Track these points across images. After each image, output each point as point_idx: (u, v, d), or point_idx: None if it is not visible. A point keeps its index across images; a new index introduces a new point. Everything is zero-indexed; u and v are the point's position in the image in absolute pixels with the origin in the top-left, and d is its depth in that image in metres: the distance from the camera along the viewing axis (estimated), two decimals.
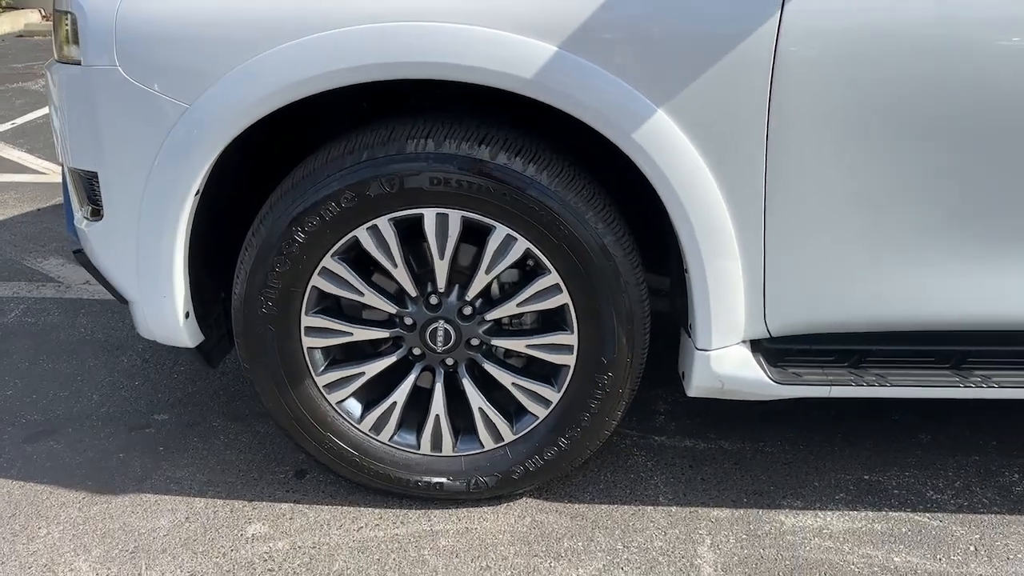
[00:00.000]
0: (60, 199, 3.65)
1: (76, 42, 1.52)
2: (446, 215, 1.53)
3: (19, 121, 5.07)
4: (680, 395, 2.06)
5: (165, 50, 1.47)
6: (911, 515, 1.73)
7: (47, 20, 9.12)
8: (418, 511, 1.77)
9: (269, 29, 1.41)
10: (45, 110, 5.31)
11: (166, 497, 1.82)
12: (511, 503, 1.78)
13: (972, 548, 1.65)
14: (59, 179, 2.55)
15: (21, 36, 8.53)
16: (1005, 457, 1.91)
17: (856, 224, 1.50)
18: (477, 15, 1.38)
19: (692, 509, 1.76)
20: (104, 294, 2.69)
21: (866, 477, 1.85)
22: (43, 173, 4.09)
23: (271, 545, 1.68)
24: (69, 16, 1.54)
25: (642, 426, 2.04)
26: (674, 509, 1.77)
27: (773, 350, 1.64)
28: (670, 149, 1.44)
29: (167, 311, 1.64)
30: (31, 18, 9.07)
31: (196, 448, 1.98)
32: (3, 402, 2.18)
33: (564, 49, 1.39)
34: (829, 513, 1.74)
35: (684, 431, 2.02)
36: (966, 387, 1.58)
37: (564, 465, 1.74)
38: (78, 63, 1.52)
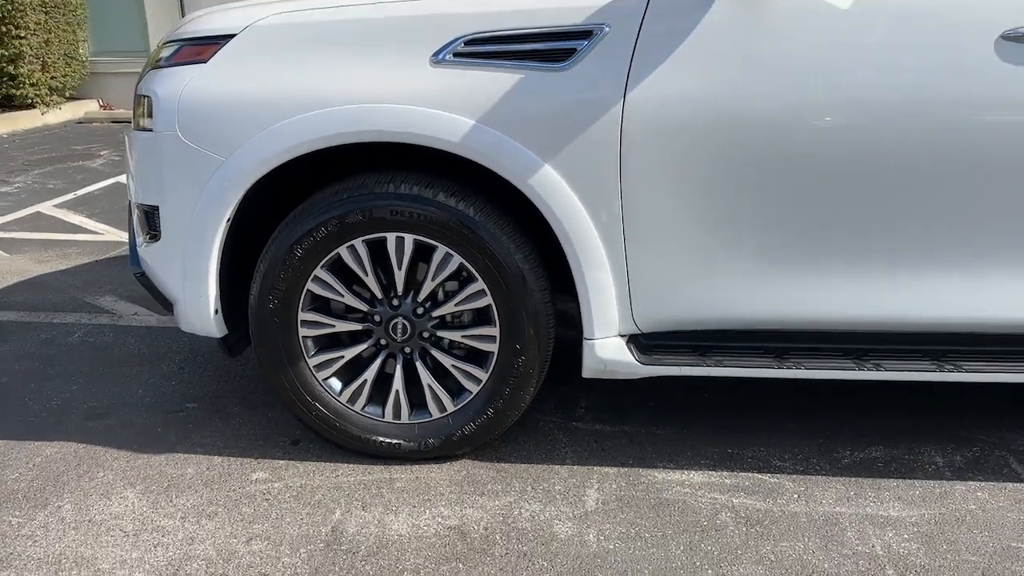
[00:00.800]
0: (113, 254, 4.37)
1: (150, 116, 2.20)
2: (403, 238, 2.15)
3: (80, 192, 5.86)
4: (598, 393, 2.64)
5: (211, 123, 2.14)
6: (755, 475, 2.26)
7: (104, 109, 10.19)
8: (381, 465, 2.32)
9: (276, 111, 2.07)
10: (101, 183, 6.13)
11: (192, 456, 2.40)
12: (452, 461, 2.33)
13: (796, 496, 2.16)
14: (111, 239, 3.20)
15: (81, 123, 9.55)
16: (845, 441, 2.43)
17: (693, 247, 2.09)
18: (414, 99, 2.03)
19: (589, 467, 2.30)
20: (148, 321, 3.34)
21: (729, 450, 2.38)
22: (99, 234, 4.81)
23: (269, 485, 2.24)
24: (147, 99, 2.23)
25: (565, 415, 2.59)
26: (575, 467, 2.31)
27: (645, 343, 2.21)
28: (554, 192, 2.06)
29: (202, 308, 2.26)
30: (91, 107, 10.15)
31: (217, 426, 2.57)
32: (71, 393, 2.80)
33: (480, 123, 2.03)
34: (692, 472, 2.28)
35: (597, 419, 2.57)
36: (779, 368, 2.13)
37: (492, 430, 2.30)
38: (150, 130, 2.20)
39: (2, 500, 2.19)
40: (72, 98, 10.11)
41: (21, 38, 9.16)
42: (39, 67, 9.41)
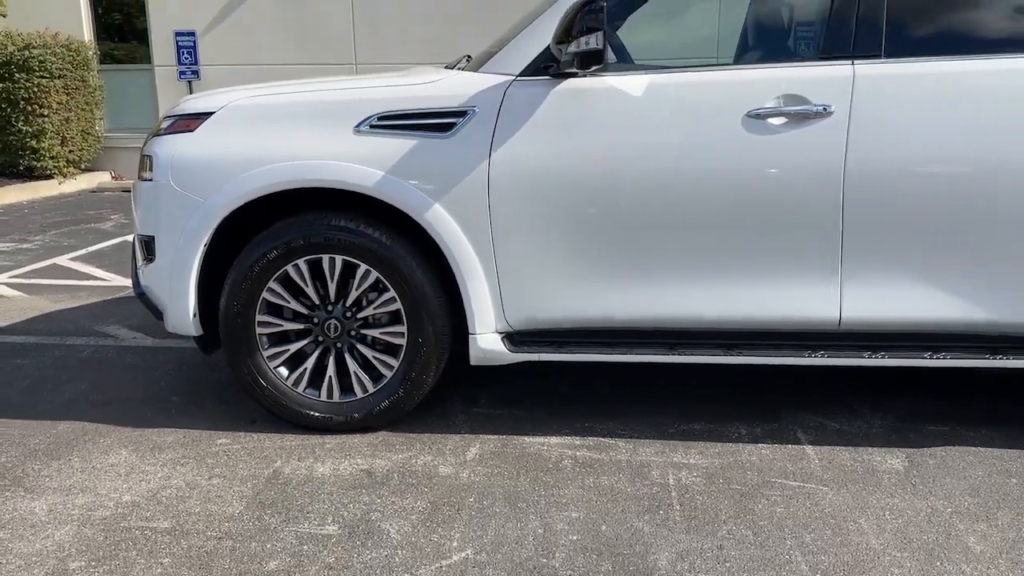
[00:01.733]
0: (118, 295, 5.13)
1: (151, 170, 2.99)
2: (334, 258, 2.91)
3: (91, 248, 6.68)
4: (496, 388, 3.35)
5: (195, 175, 2.93)
6: (599, 439, 2.96)
7: (116, 180, 11.15)
8: (317, 435, 3.02)
9: (242, 166, 2.86)
10: (111, 241, 6.95)
11: (173, 429, 3.10)
12: (373, 432, 3.04)
13: (624, 451, 2.86)
14: (117, 284, 3.96)
15: (95, 192, 10.48)
16: (675, 418, 3.13)
17: (543, 267, 2.84)
18: (342, 157, 2.82)
19: (476, 435, 3.01)
20: (145, 343, 4.08)
21: (586, 424, 3.08)
22: (107, 280, 5.59)
23: (229, 446, 2.95)
24: (149, 158, 3.03)
25: (467, 404, 3.30)
26: (466, 435, 3.01)
27: (515, 337, 2.94)
28: (443, 224, 2.82)
29: (183, 313, 3.01)
30: (104, 178, 11.11)
31: (194, 412, 3.28)
32: (80, 391, 3.52)
33: (388, 174, 2.81)
34: (552, 437, 2.98)
35: (491, 406, 3.28)
36: (610, 355, 2.86)
37: (403, 405, 3.01)
38: (151, 180, 2.99)
39: (27, 456, 2.90)
40: (87, 170, 11.07)
41: (44, 116, 10.17)
42: (59, 142, 10.39)
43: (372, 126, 2.84)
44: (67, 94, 10.49)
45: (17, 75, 10.19)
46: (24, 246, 6.81)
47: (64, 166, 10.51)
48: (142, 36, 11.86)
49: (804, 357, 2.83)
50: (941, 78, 2.66)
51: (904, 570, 2.16)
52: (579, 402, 3.31)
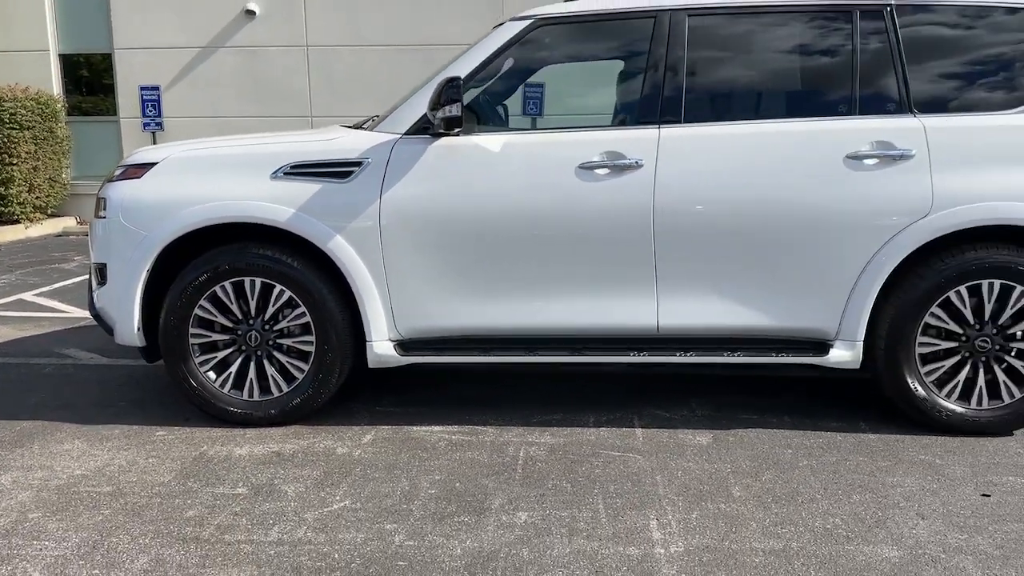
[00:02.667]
0: (78, 324, 5.71)
1: (105, 209, 3.65)
2: (255, 281, 3.58)
3: (55, 286, 7.25)
4: (399, 393, 3.99)
5: (140, 213, 3.59)
6: (473, 427, 3.61)
7: (81, 224, 11.71)
8: (240, 429, 3.65)
9: (178, 205, 3.53)
10: (73, 280, 7.54)
11: (119, 425, 3.70)
12: (287, 425, 3.66)
13: (491, 435, 3.51)
14: (77, 315, 4.58)
15: (60, 236, 11.05)
16: (539, 411, 3.80)
17: (424, 287, 3.53)
18: (261, 198, 3.51)
19: (373, 426, 3.65)
20: (100, 361, 4.68)
21: (465, 416, 3.74)
22: (68, 312, 6.17)
23: (165, 436, 3.56)
24: (103, 199, 3.69)
25: (372, 404, 3.94)
26: (365, 427, 3.65)
27: (405, 344, 3.61)
28: (344, 252, 3.51)
29: (130, 327, 3.64)
30: (69, 223, 11.68)
31: (138, 413, 3.88)
32: (41, 398, 4.10)
33: (298, 211, 3.50)
34: (435, 427, 3.63)
35: (392, 405, 3.93)
36: (485, 356, 3.54)
37: (313, 402, 3.64)
38: (104, 217, 3.65)
39: None
40: (53, 215, 11.65)
41: (13, 165, 10.76)
42: (26, 189, 10.97)
43: (286, 173, 3.54)
44: (35, 144, 11.11)
45: None
46: None
47: (31, 212, 11.08)
48: (109, 90, 12.55)
49: (632, 356, 3.53)
50: (723, 137, 3.43)
51: (676, 506, 2.83)
52: (465, 401, 3.97)
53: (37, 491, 3.03)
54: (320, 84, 12.06)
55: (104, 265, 3.69)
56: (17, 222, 10.92)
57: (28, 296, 6.80)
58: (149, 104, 12.21)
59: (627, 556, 2.51)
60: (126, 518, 2.81)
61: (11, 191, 10.80)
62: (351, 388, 4.09)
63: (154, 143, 11.90)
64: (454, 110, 3.32)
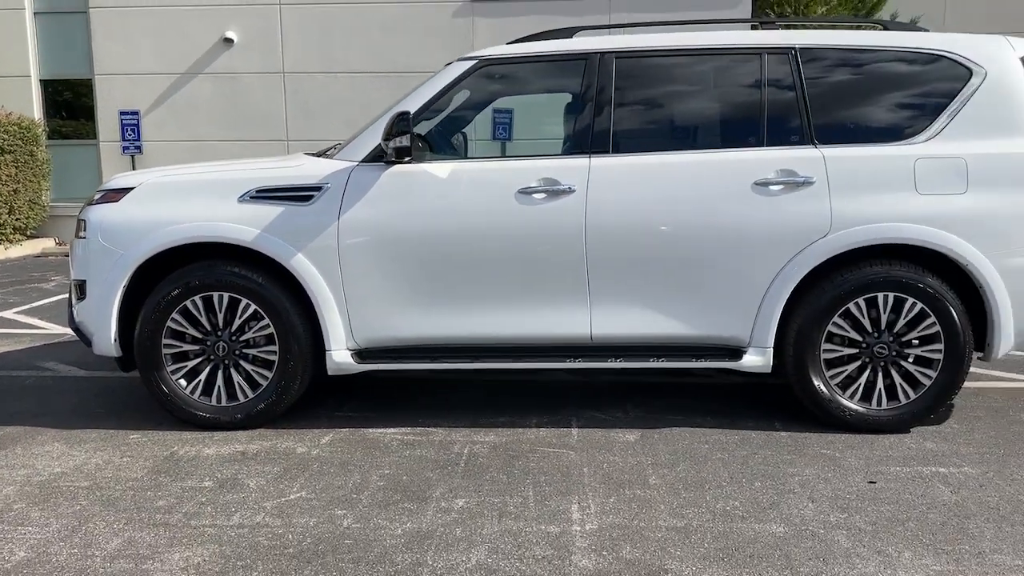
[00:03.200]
0: (56, 341, 6.00)
1: (85, 230, 3.98)
2: (222, 295, 3.91)
3: (34, 304, 7.52)
4: (360, 400, 4.32)
5: (117, 233, 3.92)
6: (425, 429, 3.94)
7: (60, 245, 11.95)
8: (209, 432, 3.95)
9: (153, 226, 3.87)
10: (52, 299, 7.80)
11: (96, 429, 4.00)
12: (252, 429, 3.98)
13: (440, 436, 3.85)
14: (56, 331, 4.89)
15: (39, 256, 11.29)
16: (489, 415, 4.14)
17: (379, 300, 3.88)
18: (229, 220, 3.85)
19: (332, 428, 3.97)
20: (78, 373, 4.97)
21: (419, 420, 4.07)
22: (47, 329, 6.45)
23: (139, 439, 3.86)
24: (84, 221, 4.02)
25: (333, 410, 4.26)
26: (325, 430, 3.97)
27: (363, 353, 3.95)
28: (305, 269, 3.85)
29: (107, 339, 3.95)
30: (48, 244, 11.92)
31: (114, 420, 4.18)
32: (23, 406, 4.39)
33: (263, 232, 3.84)
34: (389, 430, 3.96)
35: (352, 411, 4.25)
36: (432, 363, 3.88)
37: (276, 407, 3.96)
38: (85, 238, 3.97)
39: None
40: (32, 236, 11.89)
41: None
42: (7, 211, 11.22)
43: (252, 197, 3.89)
44: (16, 167, 11.38)
45: None
46: None
47: (11, 233, 11.32)
48: (89, 114, 12.86)
49: (568, 363, 3.89)
50: (647, 166, 3.82)
51: (596, 493, 3.18)
52: (419, 406, 4.31)
53: (20, 486, 3.32)
54: (295, 109, 12.43)
55: (84, 281, 4.00)
56: None
57: (8, 314, 7.07)
58: (129, 128, 12.52)
59: (547, 533, 2.86)
60: (102, 507, 3.11)
61: None
62: (315, 395, 4.41)
63: (133, 166, 12.23)
64: (404, 141, 3.69)
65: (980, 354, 3.91)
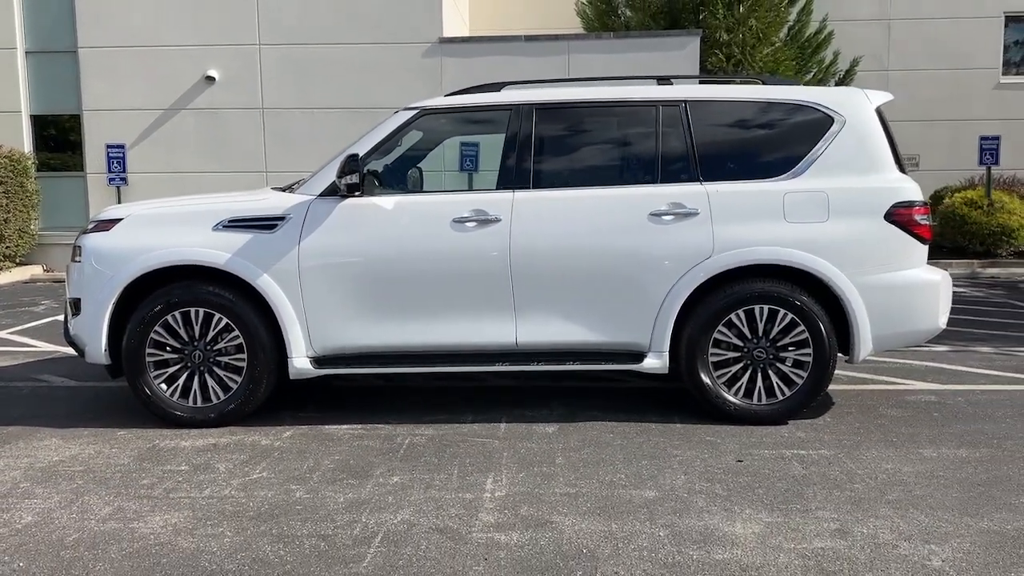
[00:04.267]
0: (49, 358, 6.59)
1: (80, 255, 4.61)
2: (198, 311, 4.54)
3: (26, 326, 8.10)
4: (321, 403, 4.96)
5: (108, 258, 4.56)
6: (375, 425, 4.57)
7: (47, 272, 12.51)
8: (186, 429, 4.56)
9: (138, 252, 4.50)
10: (42, 321, 8.38)
11: (89, 428, 4.60)
12: (224, 427, 4.59)
13: (388, 431, 4.48)
14: (47, 350, 5.51)
15: (28, 283, 11.85)
16: (458, 412, 4.77)
17: (334, 314, 4.52)
18: (205, 247, 4.49)
19: (293, 425, 4.59)
20: (70, 384, 5.57)
21: (370, 418, 4.70)
22: (40, 347, 7.03)
23: (126, 435, 4.47)
24: (79, 247, 4.65)
25: (295, 410, 4.89)
26: (288, 427, 4.59)
27: (320, 359, 4.58)
28: (269, 287, 4.49)
29: (98, 349, 4.57)
30: (36, 271, 12.49)
31: (105, 420, 4.78)
32: (21, 411, 4.98)
33: (233, 256, 4.48)
34: (343, 426, 4.58)
35: (313, 411, 4.87)
36: (381, 368, 4.52)
37: (245, 407, 4.58)
38: (80, 262, 4.61)
39: None
40: (21, 263, 12.45)
41: None
42: None
43: (224, 226, 4.54)
44: (7, 198, 11.97)
45: None
46: None
47: (1, 260, 11.88)
48: (76, 148, 13.49)
49: (498, 366, 4.55)
50: (560, 199, 4.52)
51: (510, 470, 3.82)
52: (371, 406, 4.95)
53: (24, 471, 3.93)
54: (274, 143, 13.12)
55: (79, 299, 4.63)
56: None
57: (3, 334, 7.65)
58: (115, 161, 13.15)
59: (463, 499, 3.50)
60: (95, 485, 3.72)
61: None
62: (279, 398, 5.03)
63: (119, 197, 12.85)
64: (354, 179, 4.37)
65: (847, 357, 4.60)
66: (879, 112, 4.66)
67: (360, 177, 4.40)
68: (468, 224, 4.49)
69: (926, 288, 4.51)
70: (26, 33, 13.22)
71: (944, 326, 4.67)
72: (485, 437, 4.35)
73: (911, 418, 4.66)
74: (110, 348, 4.61)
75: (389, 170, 5.01)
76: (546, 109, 4.64)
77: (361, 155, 4.50)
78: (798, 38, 14.50)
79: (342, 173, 4.40)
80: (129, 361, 4.57)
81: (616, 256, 4.45)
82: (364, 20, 12.83)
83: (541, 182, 4.58)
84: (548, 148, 4.64)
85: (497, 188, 4.60)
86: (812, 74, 14.63)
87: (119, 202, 12.77)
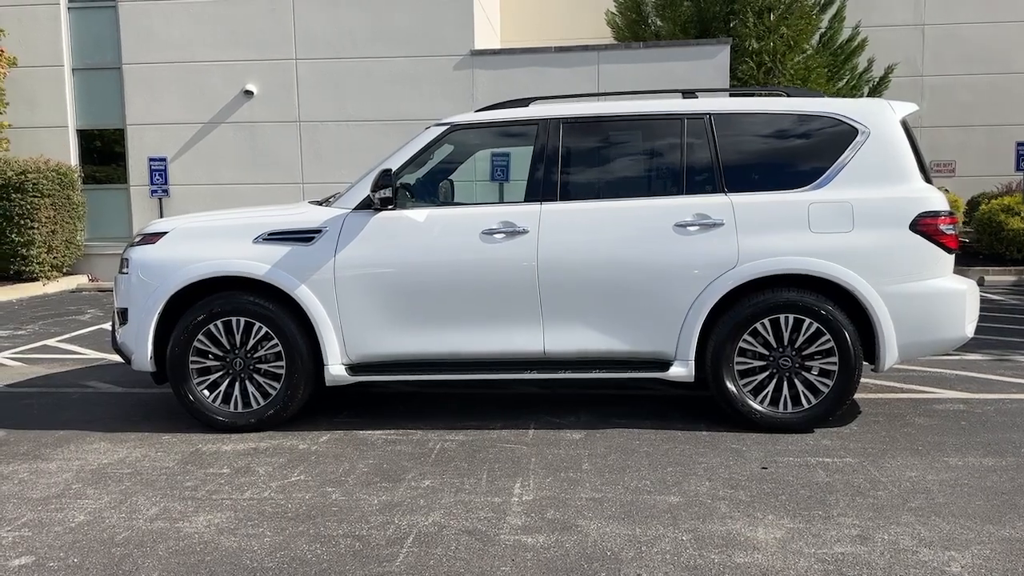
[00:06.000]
0: (96, 364, 6.85)
1: (127, 267, 4.83)
2: (239, 320, 4.73)
3: (73, 334, 8.41)
4: (356, 409, 5.13)
5: (153, 270, 4.77)
6: (409, 431, 4.72)
7: (93, 281, 12.91)
8: (227, 434, 4.75)
9: (183, 263, 4.71)
10: (88, 329, 8.69)
11: (134, 432, 4.81)
12: (263, 431, 4.77)
13: (419, 435, 4.62)
14: (93, 357, 5.76)
15: (74, 292, 12.25)
16: (470, 420, 4.90)
17: (369, 322, 4.68)
18: (246, 258, 4.68)
19: (329, 431, 4.75)
20: (116, 390, 5.81)
21: (403, 424, 4.84)
22: (87, 355, 7.31)
23: (170, 439, 4.66)
24: (126, 259, 4.87)
25: (331, 417, 5.05)
26: (325, 432, 4.75)
27: (355, 367, 4.74)
28: (307, 297, 4.67)
29: (144, 356, 4.78)
30: (82, 280, 12.90)
31: (149, 425, 4.99)
32: (71, 414, 5.22)
33: (273, 267, 4.67)
34: (379, 432, 4.73)
35: (349, 416, 5.03)
36: (413, 375, 4.67)
37: (283, 413, 4.75)
38: (127, 273, 4.83)
39: (42, 447, 4.58)
40: (68, 273, 12.87)
41: (34, 229, 12.03)
42: (45, 250, 12.21)
43: (264, 239, 4.73)
44: (54, 210, 12.40)
45: (14, 195, 12.13)
46: (19, 333, 8.53)
47: (48, 270, 12.31)
48: (120, 161, 13.91)
49: (527, 374, 4.66)
50: (587, 211, 4.63)
51: (537, 475, 3.94)
52: (404, 413, 5.09)
53: (76, 472, 4.13)
54: (310, 155, 13.41)
55: (126, 309, 4.84)
56: (36, 280, 12.13)
57: (52, 342, 7.95)
58: (157, 173, 13.54)
59: (491, 502, 3.62)
60: (142, 487, 3.91)
61: (31, 252, 12.06)
62: (316, 405, 5.20)
63: (161, 209, 13.23)
64: (387, 192, 4.53)
65: (873, 366, 4.64)
66: (904, 123, 4.71)
67: (393, 191, 4.56)
68: (497, 235, 4.62)
69: (952, 297, 4.54)
70: (73, 51, 13.68)
71: (971, 335, 4.69)
72: (514, 443, 4.47)
73: (938, 427, 4.68)
74: (155, 356, 4.82)
75: (421, 183, 5.16)
76: (572, 123, 4.76)
77: (394, 170, 4.67)
78: (829, 45, 14.45)
79: (376, 187, 4.56)
80: (173, 368, 4.77)
81: (641, 266, 4.55)
82: (397, 33, 13.07)
83: (568, 194, 4.70)
84: (574, 161, 4.76)
85: (525, 200, 4.72)
86: (845, 81, 14.56)
87: (161, 213, 13.17)
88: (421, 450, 4.38)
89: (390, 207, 4.63)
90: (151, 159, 13.53)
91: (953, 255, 4.61)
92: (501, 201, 4.93)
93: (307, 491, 3.82)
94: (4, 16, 13.40)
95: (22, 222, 12.03)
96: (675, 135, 4.69)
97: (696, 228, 4.54)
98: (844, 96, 14.72)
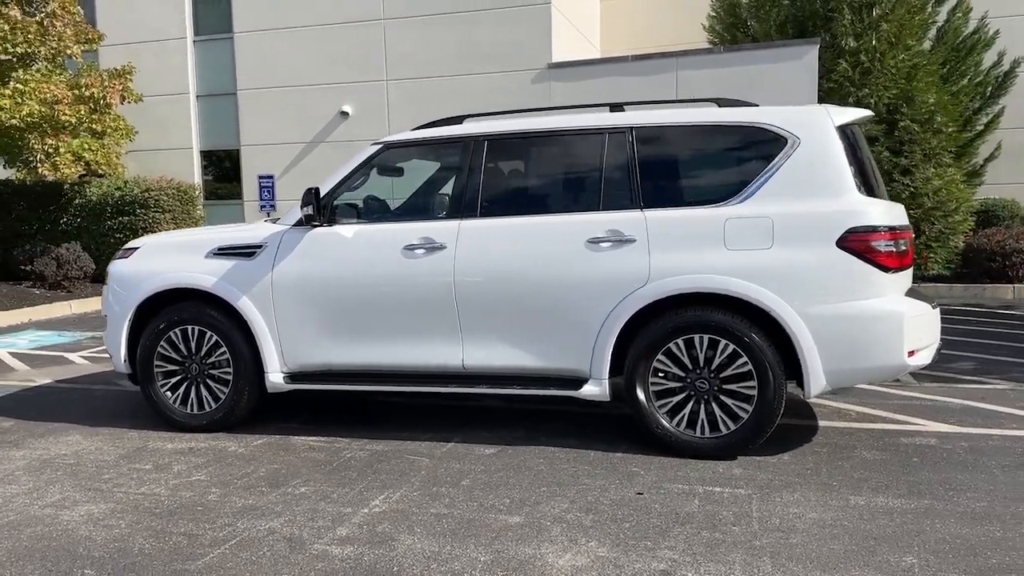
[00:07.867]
0: (97, 371, 7.58)
1: (108, 279, 5.36)
2: (194, 328, 5.12)
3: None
4: (309, 415, 5.41)
5: (126, 280, 5.26)
6: (334, 438, 4.90)
7: None
8: (179, 432, 5.14)
9: (148, 275, 5.17)
10: None
11: (111, 427, 5.31)
12: (211, 432, 5.12)
13: (346, 442, 4.79)
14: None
15: None
16: (395, 428, 5.02)
17: (304, 332, 4.92)
18: (198, 272, 5.07)
19: (268, 435, 5.03)
20: (114, 390, 6.41)
21: (332, 432, 5.03)
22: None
23: (132, 434, 5.12)
24: (108, 273, 5.41)
25: (282, 424, 5.33)
26: (262, 435, 5.04)
27: (293, 375, 5.00)
28: (248, 308, 4.98)
29: (119, 359, 5.28)
30: None
31: (131, 421, 5.49)
32: (81, 410, 5.84)
33: (220, 280, 5.02)
34: (311, 438, 4.95)
35: (298, 424, 5.30)
36: (347, 386, 4.85)
37: (230, 417, 5.09)
38: (107, 285, 5.36)
39: (28, 437, 5.18)
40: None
41: None
42: None
43: (214, 254, 5.10)
44: (175, 224, 13.71)
45: (139, 211, 13.54)
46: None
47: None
48: (236, 178, 15.16)
49: (448, 388, 4.72)
50: (504, 227, 4.61)
51: (409, 490, 3.98)
52: (351, 422, 5.28)
53: (30, 461, 4.65)
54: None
55: (106, 316, 5.38)
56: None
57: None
58: (265, 190, 14.64)
59: (340, 512, 3.71)
60: (67, 477, 4.34)
61: None
62: (279, 410, 5.51)
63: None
64: (310, 210, 4.76)
65: (803, 391, 4.30)
66: (845, 130, 4.34)
67: (317, 208, 4.78)
68: (417, 251, 4.71)
69: (885, 320, 4.12)
70: (197, 80, 15.09)
71: (920, 363, 4.23)
72: (422, 455, 4.53)
73: (880, 462, 4.26)
74: (129, 359, 5.31)
75: (356, 200, 5.35)
76: (496, 140, 4.76)
77: (326, 189, 4.88)
78: (948, 39, 13.24)
79: (302, 205, 4.80)
80: (141, 372, 5.24)
81: (553, 283, 4.48)
82: (479, 50, 13.39)
83: (488, 211, 4.70)
84: (496, 177, 4.77)
85: (447, 217, 4.79)
86: (968, 79, 13.29)
87: None
88: (330, 458, 4.55)
89: (315, 224, 4.85)
90: (260, 176, 14.64)
91: (894, 273, 4.18)
92: (425, 217, 4.94)
93: (193, 490, 4.09)
94: (142, 51, 15.03)
95: (144, 234, 13.44)
96: (596, 150, 4.58)
97: (608, 244, 4.41)
98: (967, 95, 13.44)
